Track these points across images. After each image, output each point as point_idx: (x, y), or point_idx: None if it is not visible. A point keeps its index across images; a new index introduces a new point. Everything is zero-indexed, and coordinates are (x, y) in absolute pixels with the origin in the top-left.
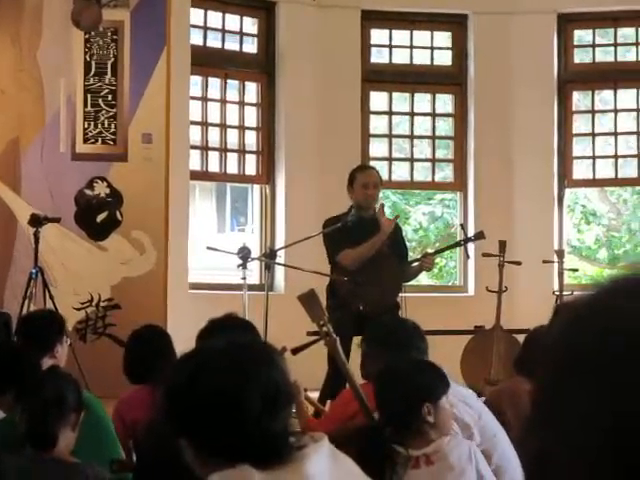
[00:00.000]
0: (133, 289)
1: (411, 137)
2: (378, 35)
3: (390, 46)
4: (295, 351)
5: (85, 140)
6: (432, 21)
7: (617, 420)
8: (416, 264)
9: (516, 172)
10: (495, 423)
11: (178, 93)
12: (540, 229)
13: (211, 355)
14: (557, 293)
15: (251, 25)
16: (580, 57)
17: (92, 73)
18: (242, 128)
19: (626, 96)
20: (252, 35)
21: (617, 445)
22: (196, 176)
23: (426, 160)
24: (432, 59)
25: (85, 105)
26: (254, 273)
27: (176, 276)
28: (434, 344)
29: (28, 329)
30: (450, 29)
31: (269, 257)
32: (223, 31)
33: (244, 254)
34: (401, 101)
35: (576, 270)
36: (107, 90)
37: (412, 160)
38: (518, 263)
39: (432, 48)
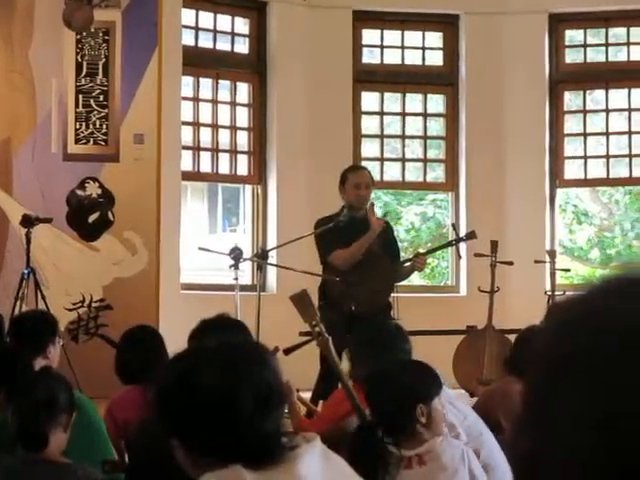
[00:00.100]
0: (125, 289)
1: (403, 137)
2: (369, 35)
3: (381, 46)
4: (287, 351)
5: (77, 140)
6: (423, 21)
7: (610, 421)
8: (408, 264)
9: (508, 172)
10: (481, 423)
11: (169, 93)
12: (532, 229)
13: (203, 355)
14: (549, 293)
15: (242, 25)
16: (571, 57)
17: (84, 73)
18: (234, 128)
19: (617, 96)
20: (243, 35)
21: (611, 446)
22: (188, 176)
23: (418, 160)
24: (423, 59)
25: (77, 105)
26: (246, 273)
27: (168, 277)
28: (426, 344)
29: (21, 330)
30: (441, 29)
31: (261, 257)
32: (214, 31)
33: (236, 254)
34: (392, 101)
35: (568, 270)
36: (99, 90)
37: (404, 160)
38: (510, 263)
39: (423, 48)
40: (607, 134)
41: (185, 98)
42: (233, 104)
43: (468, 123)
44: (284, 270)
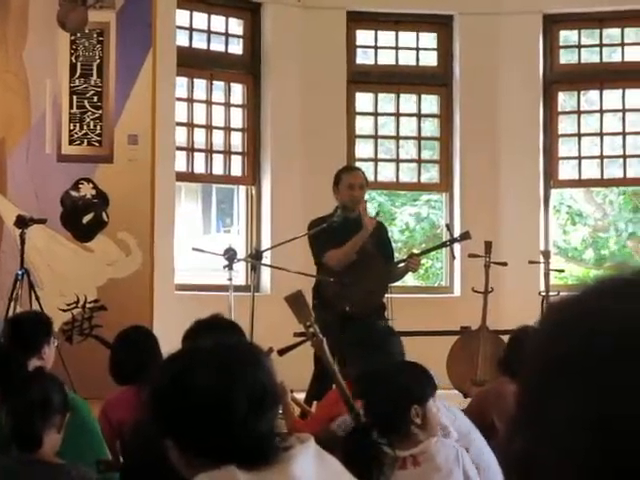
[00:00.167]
0: (119, 290)
1: (397, 138)
2: (363, 36)
3: (375, 47)
4: (282, 352)
5: (71, 141)
6: (417, 22)
7: (605, 422)
8: (402, 265)
9: (502, 173)
10: (469, 422)
11: (164, 94)
12: (526, 230)
13: (197, 356)
14: (543, 294)
15: (237, 26)
16: (566, 58)
17: (78, 74)
18: (228, 129)
19: (612, 97)
20: (238, 36)
21: (605, 447)
22: (182, 177)
23: (412, 161)
24: (417, 60)
25: (71, 106)
26: (240, 274)
27: (162, 277)
28: (420, 345)
29: (16, 331)
30: (435, 30)
31: (255, 258)
32: (209, 32)
33: (230, 255)
34: (387, 102)
35: (562, 271)
36: (93, 91)
37: (398, 161)
38: (504, 264)
39: (417, 49)
40: (601, 135)
41: (179, 99)
42: (227, 105)
43: (462, 124)
44: (278, 271)
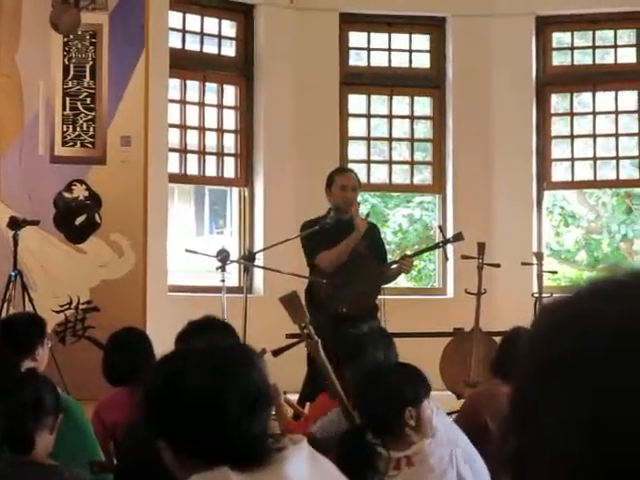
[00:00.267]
0: (112, 292)
1: (389, 140)
2: (356, 38)
3: (368, 49)
4: (276, 353)
5: (64, 143)
6: (410, 24)
7: (599, 424)
8: (395, 266)
9: (495, 174)
10: (456, 428)
11: (157, 96)
12: (519, 231)
13: (190, 357)
14: (536, 295)
15: (229, 28)
16: (559, 59)
17: (71, 76)
18: (221, 131)
19: (605, 98)
20: (230, 38)
21: (599, 449)
22: (175, 179)
23: (405, 162)
24: (410, 62)
25: (64, 108)
26: (233, 275)
27: (155, 279)
28: (413, 346)
29: (9, 332)
30: (428, 32)
31: (248, 259)
32: (202, 34)
33: (223, 256)
34: (379, 104)
35: (555, 272)
36: (86, 93)
37: (390, 162)
38: (497, 265)
39: (410, 51)
40: (594, 136)
41: (172, 101)
42: (220, 107)
43: (455, 125)
44: (271, 272)
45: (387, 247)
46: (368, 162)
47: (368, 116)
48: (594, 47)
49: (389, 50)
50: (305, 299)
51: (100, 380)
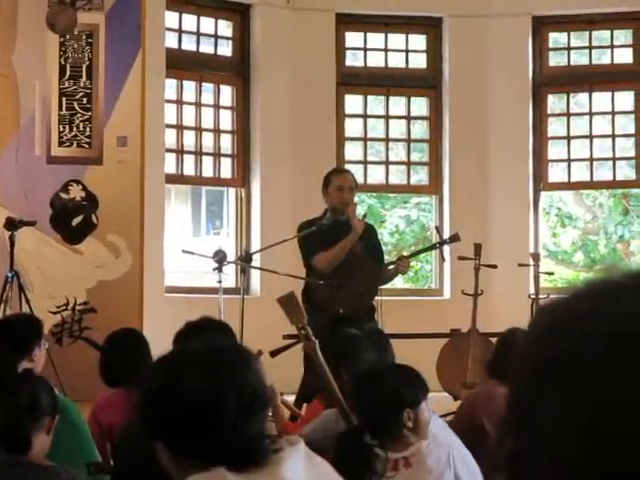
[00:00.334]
0: (109, 292)
1: (386, 140)
2: (353, 38)
3: (365, 49)
4: (274, 353)
5: (60, 143)
6: (407, 24)
7: (596, 425)
8: (392, 267)
9: (491, 175)
10: (450, 432)
11: (153, 96)
12: (516, 232)
13: (187, 358)
14: (533, 296)
15: (226, 28)
16: (555, 60)
17: (67, 76)
18: (217, 131)
19: (601, 99)
20: (227, 38)
21: (597, 450)
22: (171, 179)
23: (401, 163)
24: (407, 62)
25: (60, 108)
26: (230, 276)
27: (152, 279)
28: (410, 347)
29: (6, 333)
30: (425, 32)
31: (245, 260)
32: (198, 34)
33: (220, 257)
34: (376, 104)
35: (552, 273)
36: (82, 93)
37: (387, 163)
38: (494, 266)
39: (407, 51)
40: (591, 137)
41: (168, 101)
42: (217, 107)
43: (452, 126)
44: (268, 273)
45: (384, 248)
46: (365, 163)
47: (365, 116)
48: (590, 47)
49: (385, 50)
50: (302, 300)
51: (97, 381)
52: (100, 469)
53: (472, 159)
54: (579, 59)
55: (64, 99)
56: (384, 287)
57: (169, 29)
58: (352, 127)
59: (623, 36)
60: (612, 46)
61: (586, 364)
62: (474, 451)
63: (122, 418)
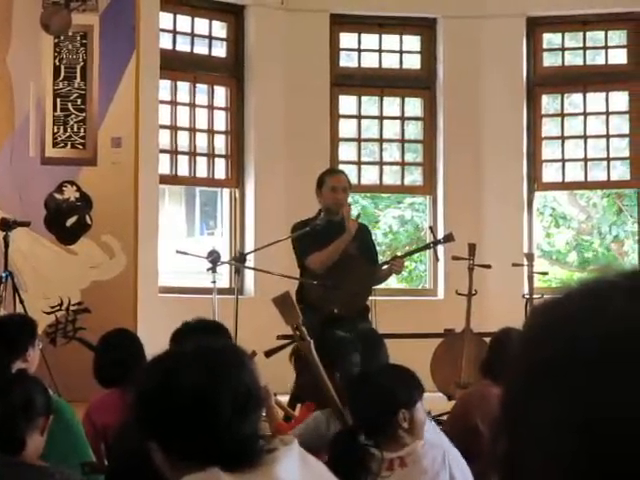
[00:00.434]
0: (103, 293)
1: (380, 141)
2: (347, 39)
3: (359, 50)
4: (269, 353)
5: (54, 144)
6: (401, 25)
7: (591, 425)
8: (385, 267)
9: (486, 175)
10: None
11: (147, 97)
12: (510, 232)
13: (181, 358)
14: (527, 296)
15: (220, 29)
16: (549, 60)
17: (61, 77)
18: (211, 132)
19: (595, 99)
20: (221, 39)
21: (592, 451)
22: (165, 180)
23: (395, 163)
24: (401, 63)
25: (54, 109)
26: (224, 277)
27: (146, 280)
28: (404, 348)
29: (0, 333)
30: (419, 33)
31: (239, 261)
32: (192, 35)
33: (214, 258)
34: (370, 105)
35: (546, 273)
36: (76, 94)
37: (381, 164)
38: (488, 266)
39: (401, 52)
40: (585, 137)
41: (163, 102)
42: (211, 108)
43: (446, 126)
44: (262, 273)
45: (377, 248)
46: (359, 163)
47: (359, 117)
48: (585, 48)
49: (380, 51)
50: (296, 300)
51: (91, 381)
52: (94, 469)
53: (466, 159)
54: (573, 60)
55: (58, 100)
56: (378, 287)
57: (163, 30)
58: (346, 128)
59: (617, 37)
60: (606, 47)
61: (580, 364)
62: (468, 451)
63: (116, 418)
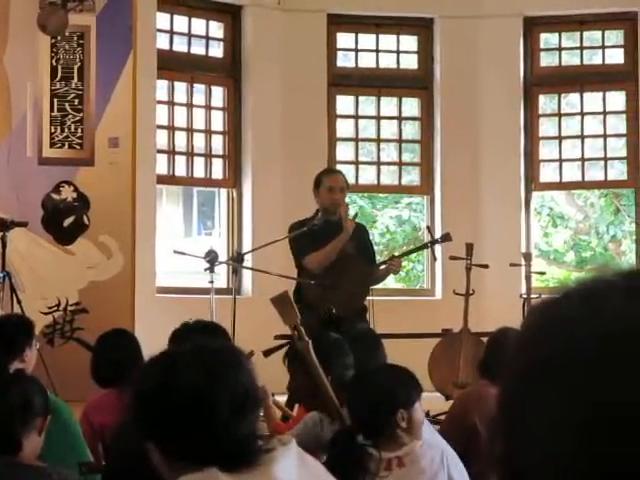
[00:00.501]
0: (100, 293)
1: (377, 140)
2: (344, 39)
3: (356, 50)
4: (267, 353)
5: (52, 144)
6: (398, 25)
7: (590, 425)
8: (383, 267)
9: (483, 175)
10: (440, 437)
11: (144, 97)
12: (507, 232)
13: (179, 358)
14: (524, 296)
15: (217, 29)
16: (546, 60)
17: (58, 77)
18: (209, 132)
19: (592, 99)
20: (218, 39)
21: (591, 451)
22: (163, 180)
23: (392, 163)
24: (398, 63)
25: (52, 109)
26: (221, 277)
27: (143, 280)
28: (402, 347)
29: None
30: (416, 33)
31: (236, 261)
32: (189, 35)
33: (211, 258)
34: (367, 105)
35: (543, 273)
36: (74, 94)
37: (379, 164)
38: (485, 266)
39: (398, 52)
40: (582, 137)
41: (160, 102)
42: (208, 108)
43: (443, 126)
44: (260, 273)
45: (375, 248)
46: (356, 163)
47: (356, 117)
48: (582, 48)
49: (377, 51)
50: (294, 300)
51: (88, 382)
52: (92, 469)
53: (463, 159)
54: (570, 59)
55: (55, 100)
56: (376, 287)
57: (160, 30)
58: (343, 128)
59: (614, 37)
60: (603, 46)
61: (578, 364)
62: (466, 451)
63: (114, 418)
